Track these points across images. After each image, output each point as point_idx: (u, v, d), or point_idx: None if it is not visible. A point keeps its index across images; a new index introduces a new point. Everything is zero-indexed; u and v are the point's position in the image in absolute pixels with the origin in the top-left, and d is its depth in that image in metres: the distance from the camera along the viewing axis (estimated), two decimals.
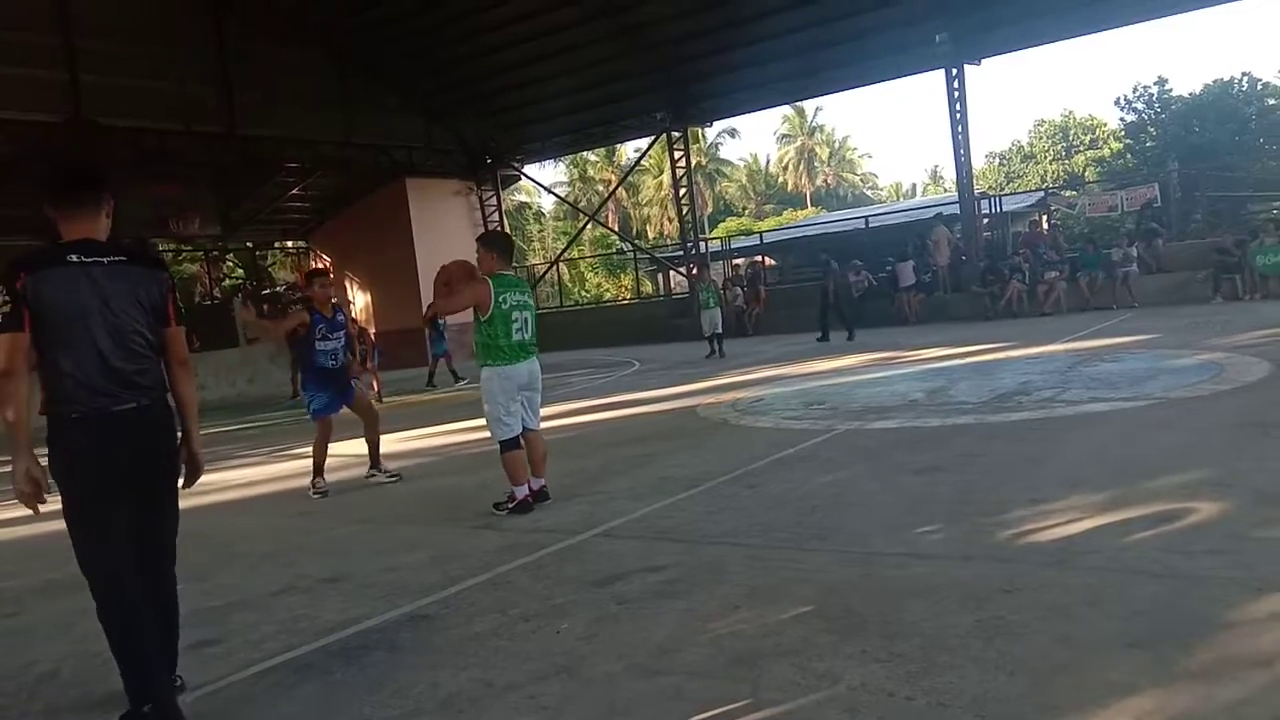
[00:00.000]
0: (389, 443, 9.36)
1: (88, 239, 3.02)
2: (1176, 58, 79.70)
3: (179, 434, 3.23)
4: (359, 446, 7.85)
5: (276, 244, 31.80)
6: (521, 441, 5.72)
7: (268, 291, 30.61)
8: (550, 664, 3.18)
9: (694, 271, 22.04)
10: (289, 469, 8.84)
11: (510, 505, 5.66)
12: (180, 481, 3.24)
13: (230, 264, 33.09)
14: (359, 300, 27.76)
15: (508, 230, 28.38)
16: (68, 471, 2.94)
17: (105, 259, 2.99)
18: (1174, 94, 33.98)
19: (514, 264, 6.01)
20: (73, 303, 2.92)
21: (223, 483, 8.22)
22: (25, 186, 19.89)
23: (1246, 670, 2.59)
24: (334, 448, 9.57)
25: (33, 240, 22.83)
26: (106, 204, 3.13)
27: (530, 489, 5.74)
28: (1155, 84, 34.21)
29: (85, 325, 2.93)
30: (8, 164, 18.47)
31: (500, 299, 5.61)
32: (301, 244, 30.30)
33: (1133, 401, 7.12)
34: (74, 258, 2.95)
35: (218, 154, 20.51)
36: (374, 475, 7.41)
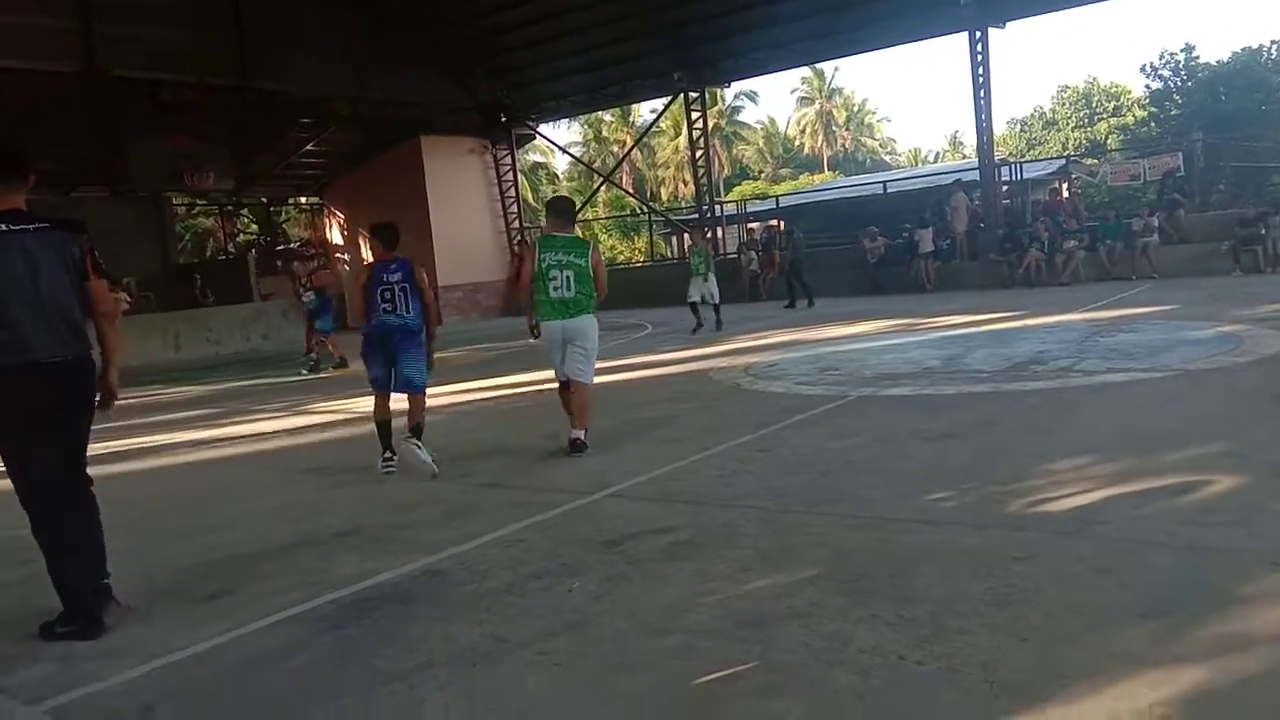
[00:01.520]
0: (404, 400, 9.39)
1: (15, 209, 3.42)
2: (1204, 25, 78.09)
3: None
4: (370, 405, 7.89)
5: (290, 200, 31.75)
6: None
7: (281, 247, 30.61)
8: (561, 621, 3.20)
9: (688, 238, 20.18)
10: (303, 423, 8.88)
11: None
12: (98, 407, 3.69)
13: (245, 219, 33.06)
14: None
15: (521, 188, 28.30)
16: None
17: (31, 226, 3.40)
18: (1201, 61, 33.34)
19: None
20: (6, 267, 3.32)
21: (237, 437, 8.28)
22: (40, 137, 19.93)
23: (1261, 644, 2.58)
24: (348, 404, 9.62)
25: (45, 193, 22.88)
26: (30, 179, 3.55)
27: (568, 440, 6.01)
28: (1182, 51, 33.54)
29: (18, 286, 3.33)
30: (22, 114, 18.43)
31: (541, 259, 6.00)
32: (315, 200, 30.24)
33: (1150, 372, 7.06)
34: (3, 226, 3.35)
35: (232, 107, 20.40)
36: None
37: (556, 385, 6.31)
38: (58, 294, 3.41)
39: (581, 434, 6.05)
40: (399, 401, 6.12)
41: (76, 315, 3.48)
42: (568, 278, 5.94)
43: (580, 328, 6.05)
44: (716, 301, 14.89)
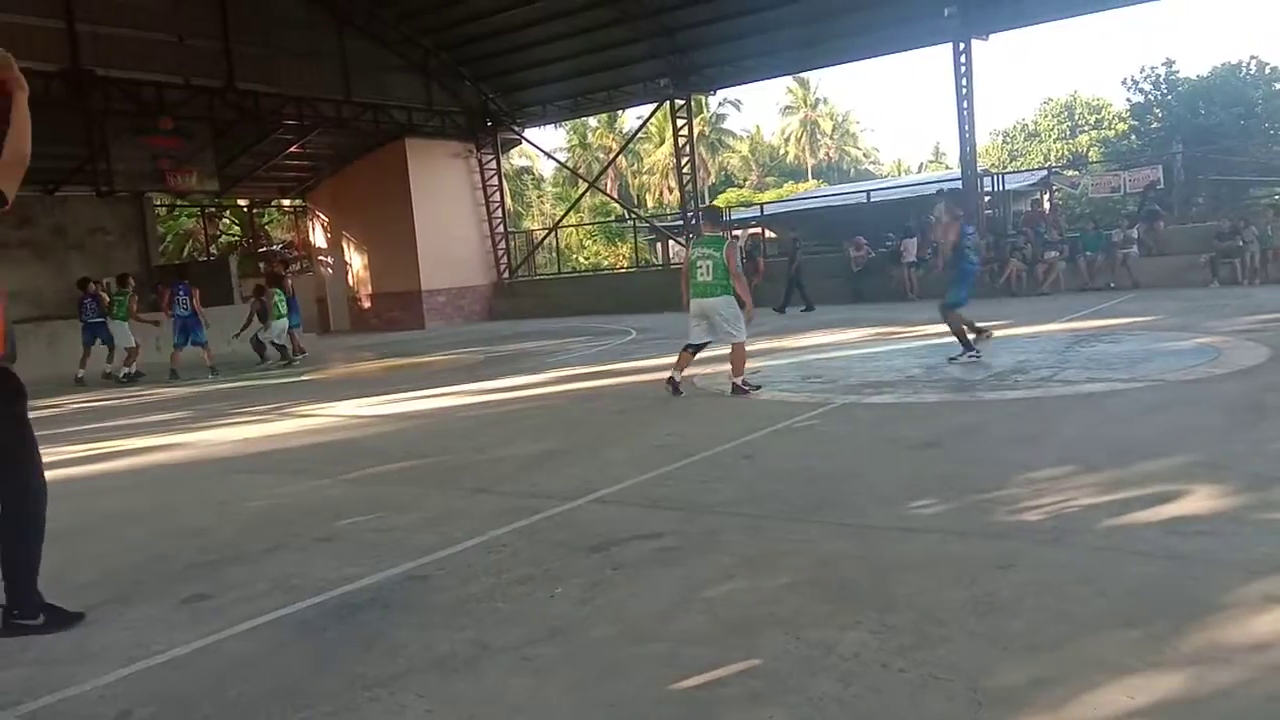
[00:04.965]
0: (390, 402, 9.37)
1: None
2: (1185, 40, 79.01)
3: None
4: (354, 408, 7.87)
5: (273, 202, 31.55)
6: (693, 349, 8.34)
7: (263, 250, 30.40)
8: (544, 627, 3.18)
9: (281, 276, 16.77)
10: (283, 428, 8.82)
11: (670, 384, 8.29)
12: None
13: (227, 221, 32.83)
14: (355, 261, 27.62)
15: (506, 193, 28.32)
16: None
17: None
18: (1181, 76, 33.77)
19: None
20: None
21: (216, 439, 8.21)
22: None
23: (1240, 653, 2.60)
24: (331, 407, 9.58)
25: (29, 189, 22.63)
26: None
27: (730, 385, 8.14)
28: (1163, 65, 34.03)
29: None
30: (5, 111, 18.24)
31: (693, 253, 8.21)
32: (299, 202, 30.08)
33: (1130, 383, 7.13)
34: None
35: (216, 108, 20.29)
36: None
37: (679, 352, 8.51)
38: None
39: (740, 379, 8.01)
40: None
41: None
42: (708, 266, 7.92)
43: (716, 304, 8.00)
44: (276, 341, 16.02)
